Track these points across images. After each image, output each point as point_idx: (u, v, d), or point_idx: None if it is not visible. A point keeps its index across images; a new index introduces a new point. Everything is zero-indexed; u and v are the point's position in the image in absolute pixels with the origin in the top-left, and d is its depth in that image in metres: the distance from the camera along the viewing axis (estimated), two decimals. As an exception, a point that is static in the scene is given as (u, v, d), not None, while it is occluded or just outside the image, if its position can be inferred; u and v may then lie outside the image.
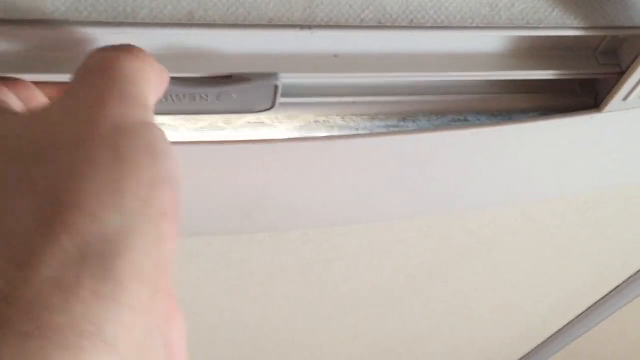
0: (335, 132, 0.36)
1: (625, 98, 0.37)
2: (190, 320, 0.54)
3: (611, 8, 0.29)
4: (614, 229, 0.58)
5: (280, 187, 0.41)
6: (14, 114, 0.22)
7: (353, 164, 0.40)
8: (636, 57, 0.32)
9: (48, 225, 0.17)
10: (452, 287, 0.64)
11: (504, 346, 0.80)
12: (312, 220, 0.45)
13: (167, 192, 0.19)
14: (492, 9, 0.28)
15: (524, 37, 0.32)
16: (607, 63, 0.33)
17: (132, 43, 0.22)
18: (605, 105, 0.37)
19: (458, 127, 0.40)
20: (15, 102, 0.23)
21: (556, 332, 0.77)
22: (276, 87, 0.28)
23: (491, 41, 0.32)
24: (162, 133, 0.21)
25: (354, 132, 0.36)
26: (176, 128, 0.34)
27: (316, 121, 0.35)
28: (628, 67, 0.33)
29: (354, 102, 0.32)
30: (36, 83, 0.26)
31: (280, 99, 0.29)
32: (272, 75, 0.27)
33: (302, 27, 0.25)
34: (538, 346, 0.81)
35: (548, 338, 0.79)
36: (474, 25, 0.28)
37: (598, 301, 0.71)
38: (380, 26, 0.26)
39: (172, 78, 0.27)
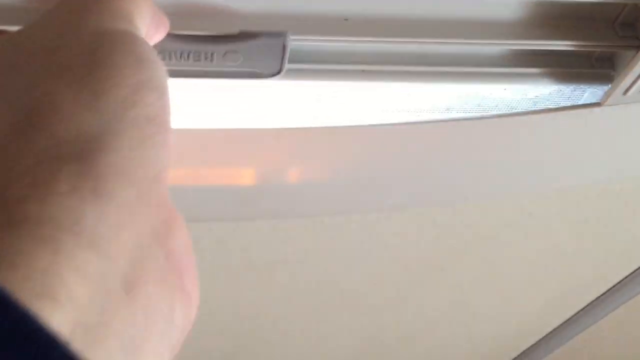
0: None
1: (625, 92, 0.37)
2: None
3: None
4: (613, 225, 0.57)
5: (282, 174, 0.40)
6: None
7: (352, 153, 0.40)
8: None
9: (21, 128, 0.16)
10: (450, 282, 0.63)
11: (502, 342, 0.79)
12: (312, 208, 0.44)
13: (153, 97, 0.18)
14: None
15: (541, 5, 0.31)
16: (627, 36, 0.32)
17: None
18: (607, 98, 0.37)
19: (457, 119, 0.39)
20: None
21: (554, 329, 0.77)
22: (284, 47, 0.26)
23: (507, 9, 0.31)
24: (148, 45, 0.19)
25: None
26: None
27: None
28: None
29: (363, 71, 0.31)
30: None
31: (288, 65, 0.28)
32: (281, 35, 0.26)
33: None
34: (536, 343, 0.80)
35: (546, 335, 0.78)
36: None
37: (597, 298, 0.71)
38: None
39: (177, 35, 0.25)
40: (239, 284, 0.57)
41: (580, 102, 0.39)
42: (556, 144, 0.41)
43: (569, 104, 0.39)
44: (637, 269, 0.65)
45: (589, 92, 0.40)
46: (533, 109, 0.39)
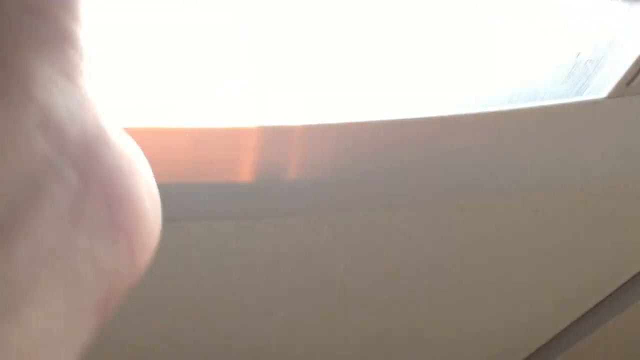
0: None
1: (628, 83, 0.37)
2: (187, 310, 0.52)
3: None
4: (621, 223, 0.57)
5: (282, 171, 0.40)
6: None
7: (354, 149, 0.39)
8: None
9: None
10: (456, 281, 0.63)
11: (509, 344, 0.78)
12: (315, 205, 0.44)
13: None
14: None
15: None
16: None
17: None
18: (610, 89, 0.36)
19: (460, 114, 0.38)
20: None
21: (562, 331, 0.76)
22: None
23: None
24: None
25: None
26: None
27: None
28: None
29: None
30: None
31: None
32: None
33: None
34: (545, 344, 0.79)
35: (554, 337, 0.77)
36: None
37: (608, 296, 0.69)
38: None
39: None
40: (243, 284, 0.56)
41: (583, 95, 0.39)
42: (560, 138, 0.40)
43: (572, 98, 0.38)
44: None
45: (592, 86, 0.39)
46: (535, 104, 0.39)
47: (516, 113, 0.38)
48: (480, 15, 0.35)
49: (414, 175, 0.42)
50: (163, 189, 0.39)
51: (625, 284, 0.67)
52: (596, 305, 0.71)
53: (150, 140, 0.35)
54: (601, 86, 0.38)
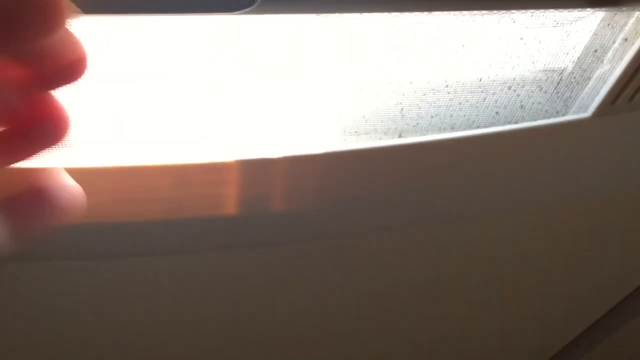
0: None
1: (613, 102, 0.36)
2: (189, 334, 0.51)
3: None
4: (621, 234, 0.56)
5: (274, 200, 0.40)
6: None
7: (351, 172, 0.39)
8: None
9: None
10: (458, 298, 0.62)
11: (522, 355, 0.78)
12: (310, 232, 0.44)
13: None
14: None
15: None
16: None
17: None
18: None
19: (451, 135, 0.38)
20: None
21: (570, 343, 0.75)
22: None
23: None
24: None
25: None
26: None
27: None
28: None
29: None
30: None
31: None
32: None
33: None
34: (559, 352, 0.78)
35: (563, 348, 0.76)
36: None
37: (609, 311, 0.69)
38: None
39: None
40: (239, 310, 0.56)
41: (569, 114, 0.38)
42: (546, 157, 0.40)
43: (558, 118, 0.38)
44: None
45: (577, 104, 0.39)
46: (521, 125, 0.39)
47: (502, 135, 0.38)
48: (464, 30, 0.35)
49: (402, 199, 0.42)
50: (147, 226, 0.39)
51: (625, 298, 0.67)
52: (608, 312, 0.71)
53: (133, 179, 0.35)
54: (587, 104, 0.38)
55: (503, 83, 0.37)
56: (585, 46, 0.36)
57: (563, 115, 0.38)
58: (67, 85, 0.18)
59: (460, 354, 0.75)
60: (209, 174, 0.36)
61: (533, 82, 0.38)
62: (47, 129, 0.19)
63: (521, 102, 0.38)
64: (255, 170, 0.37)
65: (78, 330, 0.51)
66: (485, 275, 0.60)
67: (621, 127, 0.39)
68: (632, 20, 0.33)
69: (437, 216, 0.45)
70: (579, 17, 0.35)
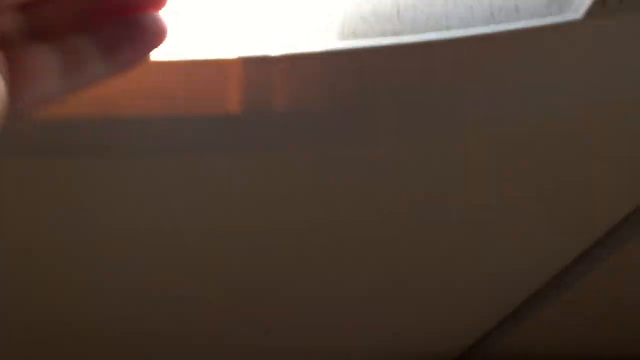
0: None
1: (604, 3, 0.37)
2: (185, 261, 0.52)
3: None
4: (613, 154, 0.57)
5: (272, 99, 0.41)
6: None
7: (349, 73, 0.40)
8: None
9: None
10: (455, 217, 0.64)
11: (521, 276, 0.80)
12: (297, 137, 0.45)
13: None
14: None
15: None
16: None
17: None
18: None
19: (446, 34, 0.39)
20: None
21: (570, 264, 0.77)
22: None
23: None
24: None
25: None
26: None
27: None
28: None
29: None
30: None
31: None
32: None
33: None
34: (550, 280, 0.80)
35: (560, 271, 0.78)
36: None
37: (614, 227, 0.70)
38: None
39: None
40: (242, 224, 0.59)
41: (560, 17, 0.39)
42: (537, 61, 0.41)
43: (547, 19, 0.39)
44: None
45: (572, 8, 0.39)
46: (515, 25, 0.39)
47: (495, 36, 0.39)
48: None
49: (399, 105, 0.43)
50: (151, 122, 0.41)
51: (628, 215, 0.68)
52: (602, 237, 0.72)
53: (137, 74, 0.37)
54: (579, 6, 0.38)
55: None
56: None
57: (560, 12, 0.39)
58: None
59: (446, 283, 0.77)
60: (208, 70, 0.38)
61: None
62: None
63: (516, 4, 0.39)
64: (255, 68, 0.38)
65: (76, 234, 0.54)
66: (476, 198, 0.61)
67: (613, 31, 0.39)
68: None
69: (428, 124, 0.46)
70: None
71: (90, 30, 0.25)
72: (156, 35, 0.26)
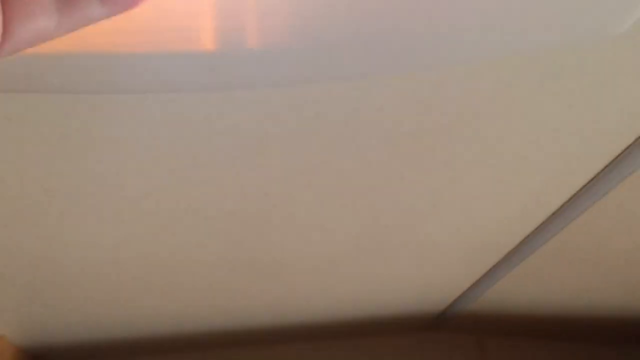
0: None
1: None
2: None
3: None
4: (601, 95, 0.57)
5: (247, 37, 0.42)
6: None
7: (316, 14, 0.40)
8: None
9: None
10: (441, 161, 0.64)
11: (503, 227, 0.81)
12: (276, 75, 0.45)
13: None
14: None
15: None
16: None
17: None
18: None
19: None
20: None
21: (556, 211, 0.77)
22: None
23: None
24: None
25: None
26: None
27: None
28: None
29: None
30: None
31: None
32: None
33: None
34: (538, 227, 0.81)
35: (548, 217, 0.79)
36: None
37: (596, 175, 0.70)
38: None
39: None
40: (234, 166, 0.59)
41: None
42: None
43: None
44: (634, 142, 0.65)
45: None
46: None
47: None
48: None
49: (382, 42, 0.43)
50: (124, 58, 0.41)
51: (611, 162, 0.68)
52: (586, 184, 0.72)
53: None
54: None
55: None
56: None
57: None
58: None
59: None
60: (181, 5, 0.38)
61: None
62: None
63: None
64: (229, 3, 0.39)
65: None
66: (463, 140, 0.62)
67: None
68: None
69: (410, 61, 0.46)
70: None
71: None
72: None
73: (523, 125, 0.60)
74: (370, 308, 1.07)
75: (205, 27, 0.40)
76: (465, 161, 0.65)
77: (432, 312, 1.12)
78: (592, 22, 0.43)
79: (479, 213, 0.76)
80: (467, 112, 0.57)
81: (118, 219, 0.66)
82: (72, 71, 0.41)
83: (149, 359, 1.13)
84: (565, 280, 0.97)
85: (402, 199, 0.71)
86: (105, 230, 0.68)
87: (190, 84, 0.44)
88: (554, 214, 0.78)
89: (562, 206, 0.77)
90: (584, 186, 0.73)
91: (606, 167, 0.69)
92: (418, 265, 0.92)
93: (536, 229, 0.82)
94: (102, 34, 0.38)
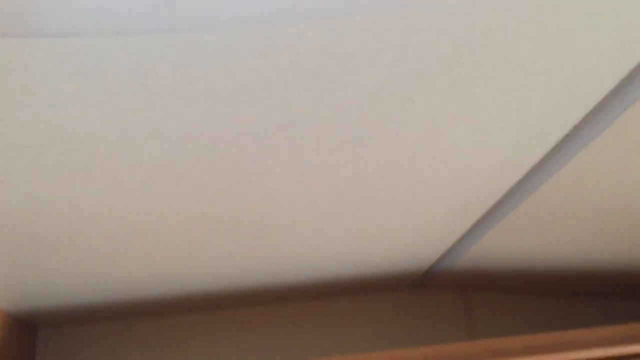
0: None
1: None
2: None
3: None
4: (578, 35, 0.56)
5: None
6: None
7: None
8: None
9: None
10: (420, 112, 0.64)
11: (485, 180, 0.80)
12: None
13: None
14: None
15: None
16: None
17: None
18: None
19: None
20: None
21: (539, 162, 0.77)
22: None
23: None
24: None
25: None
26: None
27: None
28: None
29: None
30: None
31: None
32: None
33: None
34: (520, 180, 0.80)
35: (532, 168, 0.78)
36: None
37: (586, 117, 0.69)
38: None
39: None
40: (205, 117, 0.58)
41: None
42: None
43: None
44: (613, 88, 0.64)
45: None
46: None
47: None
48: None
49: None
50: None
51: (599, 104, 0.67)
52: (570, 132, 0.71)
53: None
54: None
55: None
56: None
57: None
58: None
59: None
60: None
61: None
62: None
63: None
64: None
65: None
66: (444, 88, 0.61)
67: None
68: None
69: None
70: None
71: None
72: None
73: (501, 71, 0.59)
74: (356, 267, 1.07)
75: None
76: (443, 111, 0.64)
77: (418, 270, 1.12)
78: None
79: (460, 166, 0.76)
80: (442, 58, 0.56)
81: (92, 175, 0.65)
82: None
83: (135, 322, 1.14)
84: (549, 235, 0.97)
85: (380, 151, 0.70)
86: (79, 188, 0.67)
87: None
88: (536, 165, 0.78)
89: (544, 157, 0.76)
90: (566, 136, 0.72)
91: (587, 115, 0.68)
92: (402, 222, 0.91)
93: (519, 181, 0.82)
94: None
